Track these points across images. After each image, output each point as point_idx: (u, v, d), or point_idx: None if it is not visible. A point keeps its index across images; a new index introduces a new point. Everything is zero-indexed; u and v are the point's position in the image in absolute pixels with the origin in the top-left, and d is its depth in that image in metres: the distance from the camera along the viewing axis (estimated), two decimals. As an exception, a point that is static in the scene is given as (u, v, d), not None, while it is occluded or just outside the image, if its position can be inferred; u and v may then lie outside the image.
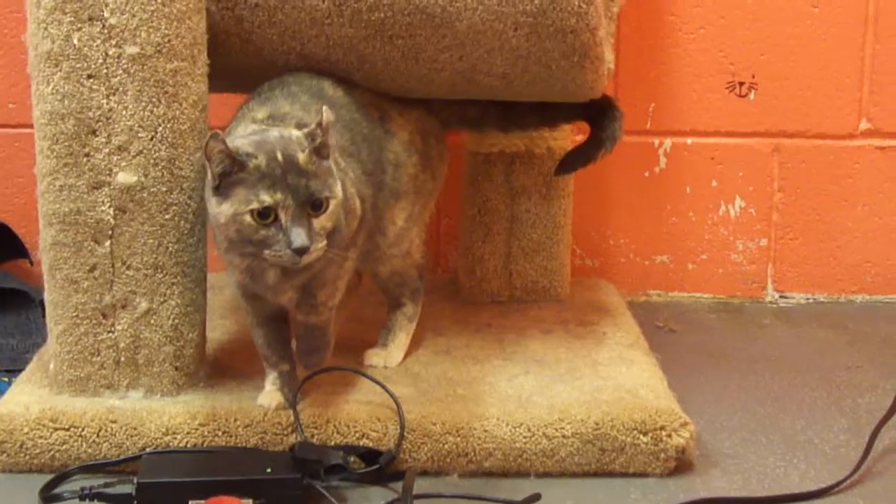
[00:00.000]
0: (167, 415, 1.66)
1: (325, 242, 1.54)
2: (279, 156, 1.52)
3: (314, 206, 1.52)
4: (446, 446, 1.65)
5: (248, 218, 1.51)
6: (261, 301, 1.68)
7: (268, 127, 1.61)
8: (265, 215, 1.51)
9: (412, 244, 1.87)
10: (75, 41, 1.62)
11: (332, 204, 1.54)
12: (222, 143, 1.50)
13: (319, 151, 1.54)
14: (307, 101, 1.70)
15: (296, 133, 1.55)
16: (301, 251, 1.50)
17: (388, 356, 1.87)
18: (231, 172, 1.52)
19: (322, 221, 1.53)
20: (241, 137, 1.56)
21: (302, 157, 1.52)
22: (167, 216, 1.68)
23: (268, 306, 1.69)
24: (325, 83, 1.76)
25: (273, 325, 1.72)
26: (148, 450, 1.64)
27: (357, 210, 1.65)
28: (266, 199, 1.50)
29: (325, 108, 1.56)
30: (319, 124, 1.54)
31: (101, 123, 1.64)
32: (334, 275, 1.67)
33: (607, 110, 1.96)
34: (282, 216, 1.51)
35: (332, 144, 1.58)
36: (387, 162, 1.79)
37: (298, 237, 1.50)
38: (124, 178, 1.65)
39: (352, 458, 1.61)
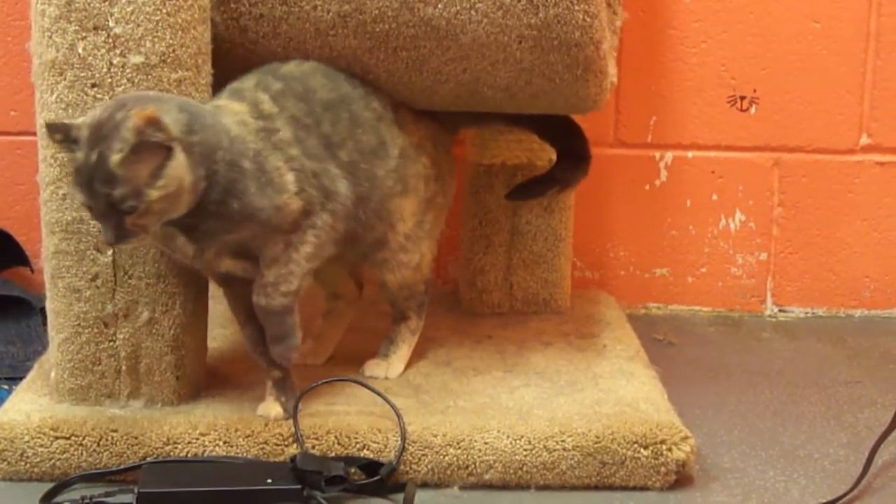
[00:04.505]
0: (168, 424, 1.66)
1: (149, 229, 1.54)
2: (93, 156, 1.50)
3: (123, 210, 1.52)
4: (447, 458, 1.65)
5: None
6: (231, 286, 1.70)
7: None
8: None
9: (423, 258, 1.87)
10: (80, 50, 1.62)
11: (143, 207, 1.51)
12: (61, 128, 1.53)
13: (146, 150, 1.50)
14: (260, 77, 1.71)
15: (131, 125, 1.48)
16: (111, 245, 1.56)
17: (389, 367, 1.87)
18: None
19: (136, 220, 1.52)
20: (92, 115, 1.54)
21: (115, 158, 1.49)
22: (170, 226, 1.68)
23: (242, 295, 1.70)
24: (292, 62, 1.76)
25: (258, 323, 1.71)
26: (148, 459, 1.64)
27: (286, 194, 1.63)
28: (79, 196, 1.53)
29: (151, 106, 1.51)
30: (153, 122, 1.48)
31: (104, 132, 1.65)
32: (279, 253, 1.65)
33: (581, 160, 2.02)
34: (92, 213, 1.54)
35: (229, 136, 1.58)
36: (393, 144, 1.78)
37: (106, 235, 1.52)
38: None
39: (352, 470, 1.61)
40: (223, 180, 1.57)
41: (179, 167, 1.52)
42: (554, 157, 2.08)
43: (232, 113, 1.63)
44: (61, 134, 1.54)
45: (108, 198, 1.50)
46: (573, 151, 2.02)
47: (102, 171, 1.49)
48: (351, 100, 1.75)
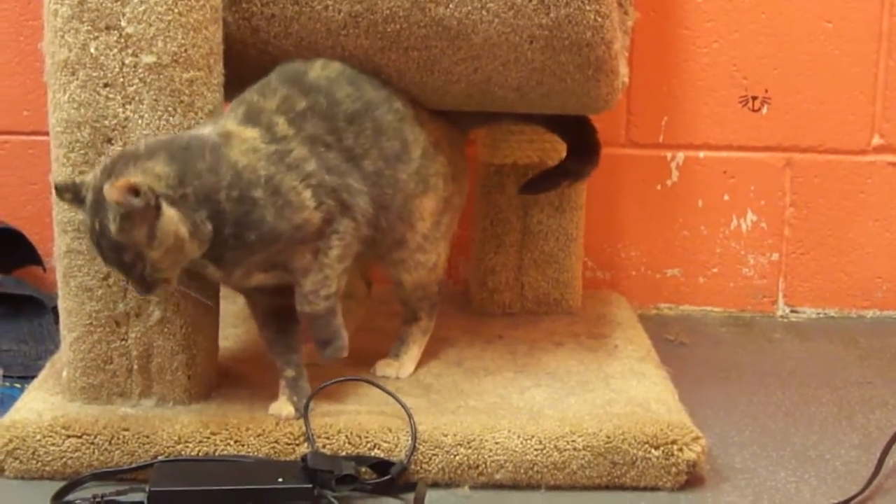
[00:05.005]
0: (179, 423, 1.66)
1: (171, 280, 1.59)
2: (97, 224, 1.55)
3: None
4: (457, 458, 1.65)
5: None
6: (251, 293, 1.72)
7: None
8: None
9: (439, 258, 1.87)
10: (92, 50, 1.63)
11: (150, 267, 1.55)
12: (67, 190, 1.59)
13: (135, 215, 1.52)
14: (285, 93, 1.70)
15: (109, 200, 1.50)
16: (143, 295, 1.63)
17: (400, 367, 1.87)
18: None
19: (151, 273, 1.56)
20: (94, 174, 1.58)
21: (112, 229, 1.53)
22: (181, 225, 1.68)
23: (265, 299, 1.71)
24: (317, 64, 1.74)
25: (275, 325, 1.73)
26: (160, 458, 1.64)
27: (305, 211, 1.64)
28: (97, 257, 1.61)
29: (131, 178, 1.51)
30: (133, 190, 1.50)
31: (116, 132, 1.65)
32: (309, 262, 1.66)
33: (591, 152, 2.02)
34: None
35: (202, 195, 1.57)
36: (415, 144, 1.78)
37: (135, 290, 1.61)
38: None
39: (363, 469, 1.62)
40: (232, 216, 1.58)
41: (170, 223, 1.54)
42: (564, 154, 2.08)
43: (241, 141, 1.62)
44: (70, 194, 1.58)
45: (118, 262, 1.55)
46: (583, 143, 2.02)
47: (106, 239, 1.54)
48: (375, 106, 1.75)
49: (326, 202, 1.65)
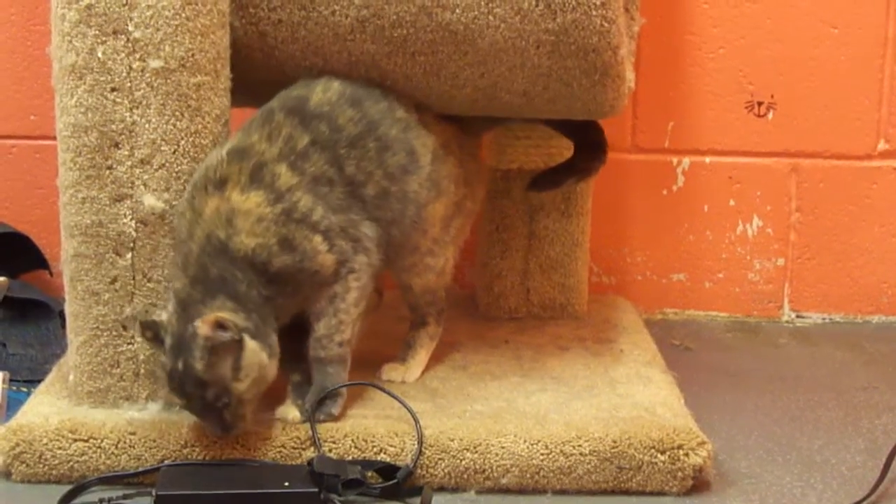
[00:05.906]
0: (186, 427, 1.66)
1: (247, 417, 1.62)
2: (180, 365, 1.57)
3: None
4: (464, 462, 1.65)
5: None
6: None
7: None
8: None
9: (447, 263, 1.88)
10: (100, 54, 1.63)
11: (235, 401, 1.59)
12: (148, 328, 1.62)
13: (221, 350, 1.57)
14: (289, 132, 1.69)
15: (201, 336, 1.55)
16: (222, 435, 1.63)
17: (406, 371, 1.87)
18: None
19: (232, 411, 1.59)
20: (169, 319, 1.61)
21: (199, 366, 1.56)
22: (188, 229, 1.68)
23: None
24: (318, 88, 1.74)
25: (287, 331, 1.73)
26: (167, 462, 1.64)
27: (319, 255, 1.67)
28: (175, 400, 1.63)
29: (213, 310, 1.58)
30: (220, 325, 1.55)
31: (124, 136, 1.65)
32: (324, 307, 1.70)
33: (598, 149, 2.03)
34: (192, 412, 1.63)
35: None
36: (424, 150, 1.78)
37: (212, 430, 1.62)
38: (151, 201, 1.66)
39: (369, 473, 1.62)
40: (269, 292, 1.63)
41: (254, 354, 1.59)
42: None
43: (245, 217, 1.62)
44: (151, 332, 1.61)
45: (202, 399, 1.58)
46: (590, 140, 2.02)
47: (191, 377, 1.57)
48: (378, 123, 1.75)
49: (338, 243, 1.68)
